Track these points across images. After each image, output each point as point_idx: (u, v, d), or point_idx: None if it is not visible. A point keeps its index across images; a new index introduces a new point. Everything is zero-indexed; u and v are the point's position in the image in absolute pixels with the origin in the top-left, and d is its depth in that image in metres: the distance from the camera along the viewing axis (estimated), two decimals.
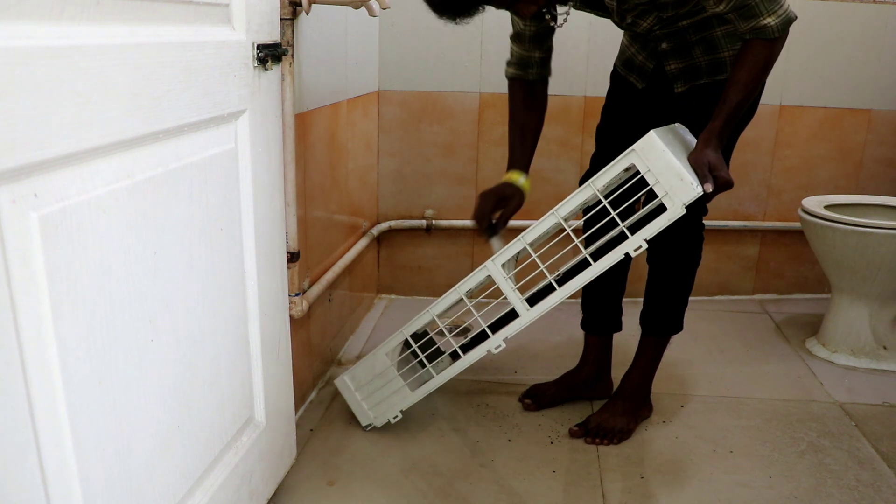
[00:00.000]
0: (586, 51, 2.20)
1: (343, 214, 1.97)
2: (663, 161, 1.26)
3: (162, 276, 0.88)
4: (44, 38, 0.66)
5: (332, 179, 1.83)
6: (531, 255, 1.42)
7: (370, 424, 1.59)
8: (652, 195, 1.30)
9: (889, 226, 1.85)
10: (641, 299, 1.65)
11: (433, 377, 1.52)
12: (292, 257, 1.45)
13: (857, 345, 2.01)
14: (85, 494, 0.77)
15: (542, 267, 1.40)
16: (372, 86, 2.17)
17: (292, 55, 1.38)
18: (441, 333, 1.54)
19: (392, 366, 1.55)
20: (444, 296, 1.52)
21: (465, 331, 1.58)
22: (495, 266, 1.44)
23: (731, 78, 1.31)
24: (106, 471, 0.81)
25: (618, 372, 1.73)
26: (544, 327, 1.82)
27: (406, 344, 1.56)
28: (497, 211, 1.50)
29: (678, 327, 1.65)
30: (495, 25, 2.13)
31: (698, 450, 1.58)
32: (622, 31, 1.59)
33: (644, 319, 1.65)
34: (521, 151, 1.56)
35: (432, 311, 1.53)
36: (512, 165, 1.55)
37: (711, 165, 1.28)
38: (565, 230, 1.40)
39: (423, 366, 1.54)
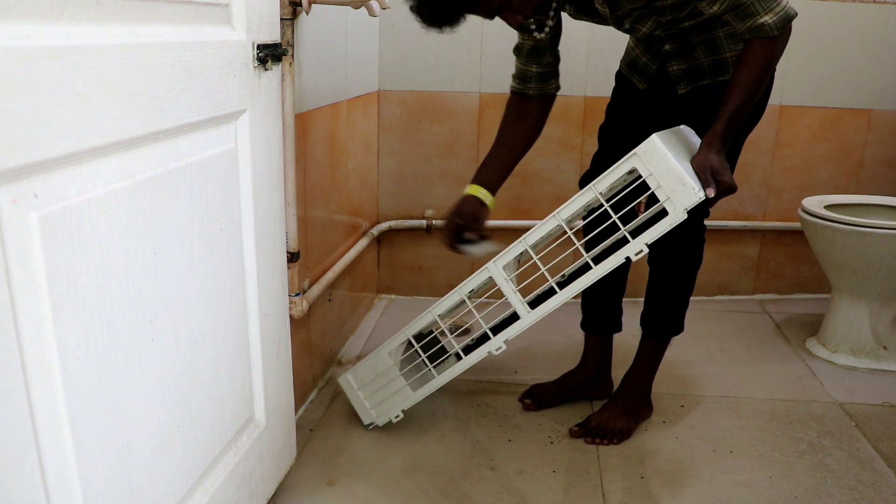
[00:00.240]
0: (586, 51, 2.20)
1: (343, 214, 1.97)
2: (665, 165, 1.25)
3: (162, 276, 0.88)
4: (44, 38, 0.66)
5: (332, 179, 1.83)
6: (532, 258, 1.42)
7: (372, 423, 1.59)
8: (654, 198, 1.29)
9: (889, 226, 1.85)
10: (642, 299, 1.65)
11: (435, 377, 1.52)
12: (292, 257, 1.45)
13: (857, 345, 2.01)
14: (85, 494, 0.77)
15: (542, 269, 1.40)
16: (372, 86, 2.17)
17: (292, 55, 1.38)
18: (442, 334, 1.54)
19: (394, 365, 1.55)
20: (446, 296, 1.52)
21: (466, 331, 1.58)
22: (496, 268, 1.44)
23: (732, 79, 1.30)
24: (106, 471, 0.81)
25: (618, 372, 1.73)
26: (545, 328, 1.81)
27: (408, 344, 1.56)
28: (464, 229, 1.50)
29: (679, 329, 1.64)
30: (495, 25, 2.12)
31: (698, 450, 1.58)
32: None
33: (644, 321, 1.65)
34: (493, 171, 1.53)
35: (434, 312, 1.53)
36: (477, 179, 1.53)
37: (714, 169, 1.26)
38: (567, 233, 1.40)
39: (425, 365, 1.54)
